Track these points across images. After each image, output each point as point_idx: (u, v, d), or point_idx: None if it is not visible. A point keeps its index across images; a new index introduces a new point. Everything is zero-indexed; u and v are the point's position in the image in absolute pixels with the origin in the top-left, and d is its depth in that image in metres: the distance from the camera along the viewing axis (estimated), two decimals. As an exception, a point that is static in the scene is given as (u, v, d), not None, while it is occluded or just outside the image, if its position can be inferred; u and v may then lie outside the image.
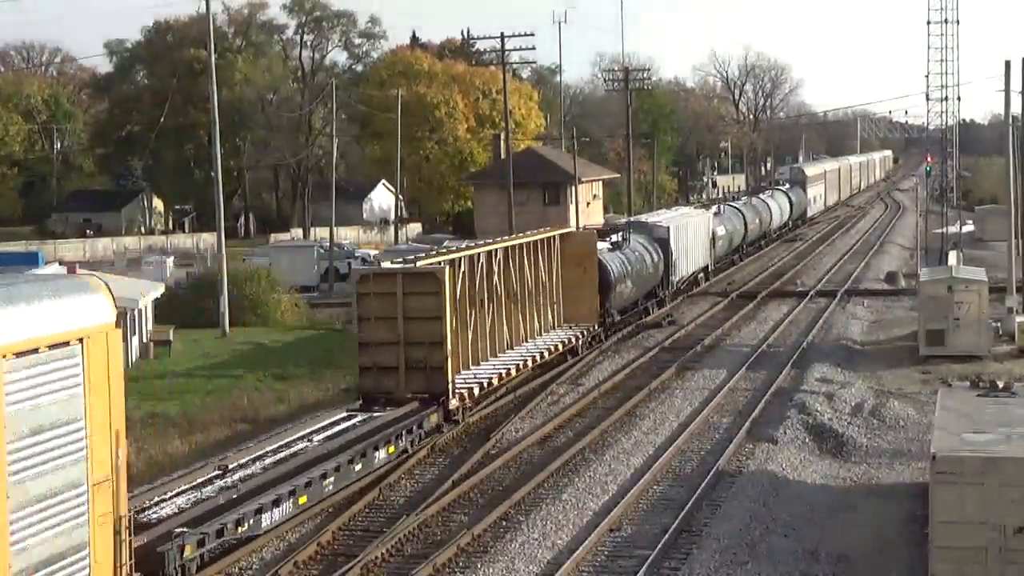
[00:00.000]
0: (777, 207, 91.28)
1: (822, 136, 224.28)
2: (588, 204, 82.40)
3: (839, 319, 52.76)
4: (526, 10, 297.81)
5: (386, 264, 33.11)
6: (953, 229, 77.47)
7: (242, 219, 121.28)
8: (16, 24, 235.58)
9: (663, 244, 53.81)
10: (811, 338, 47.56)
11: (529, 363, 37.66)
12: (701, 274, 63.37)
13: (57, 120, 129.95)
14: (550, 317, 42.43)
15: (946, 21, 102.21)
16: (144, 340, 47.29)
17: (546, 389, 38.55)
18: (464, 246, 38.46)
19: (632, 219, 58.14)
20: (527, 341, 39.88)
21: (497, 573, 22.64)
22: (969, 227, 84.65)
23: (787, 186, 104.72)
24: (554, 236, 43.18)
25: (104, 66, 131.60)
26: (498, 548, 23.84)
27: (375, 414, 30.13)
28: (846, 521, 25.54)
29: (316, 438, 27.89)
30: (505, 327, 38.20)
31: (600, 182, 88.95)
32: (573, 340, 41.99)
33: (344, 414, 30.59)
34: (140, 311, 47.54)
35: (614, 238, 49.58)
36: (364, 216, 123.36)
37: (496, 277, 37.21)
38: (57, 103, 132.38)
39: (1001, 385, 26.98)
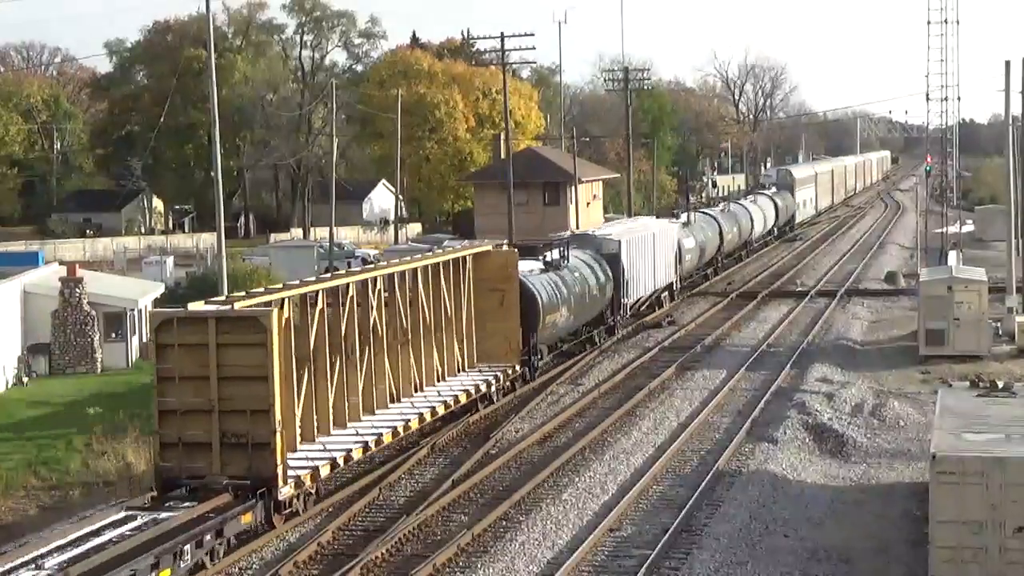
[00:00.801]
0: (760, 213, 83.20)
1: (822, 136, 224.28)
2: (588, 204, 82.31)
3: (839, 319, 52.75)
4: (526, 10, 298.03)
5: (196, 306, 25.14)
6: (953, 229, 77.44)
7: (242, 219, 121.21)
8: (16, 24, 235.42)
9: (612, 261, 46.95)
10: (811, 338, 47.57)
11: (415, 423, 30.45)
12: (664, 294, 56.09)
13: (57, 120, 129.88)
14: (457, 358, 35.36)
15: (946, 21, 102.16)
16: (143, 340, 47.25)
17: (546, 389, 38.56)
18: (328, 276, 32.09)
19: (576, 232, 50.48)
20: (420, 391, 32.85)
21: (497, 573, 22.65)
22: (969, 227, 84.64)
23: (773, 190, 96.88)
24: (462, 257, 36.03)
25: (104, 66, 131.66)
26: (498, 548, 23.86)
27: (163, 514, 22.76)
28: (846, 521, 25.55)
29: (49, 562, 20.26)
30: (388, 376, 31.22)
31: (600, 182, 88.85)
32: (484, 386, 34.56)
33: (122, 514, 23.08)
34: (140, 311, 47.52)
35: (549, 256, 42.60)
36: (364, 216, 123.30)
37: (376, 313, 30.41)
38: (57, 103, 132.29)
39: (1001, 385, 27.01)
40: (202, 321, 24.16)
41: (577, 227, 75.85)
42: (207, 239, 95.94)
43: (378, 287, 30.56)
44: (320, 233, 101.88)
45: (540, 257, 42.42)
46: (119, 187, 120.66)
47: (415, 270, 32.98)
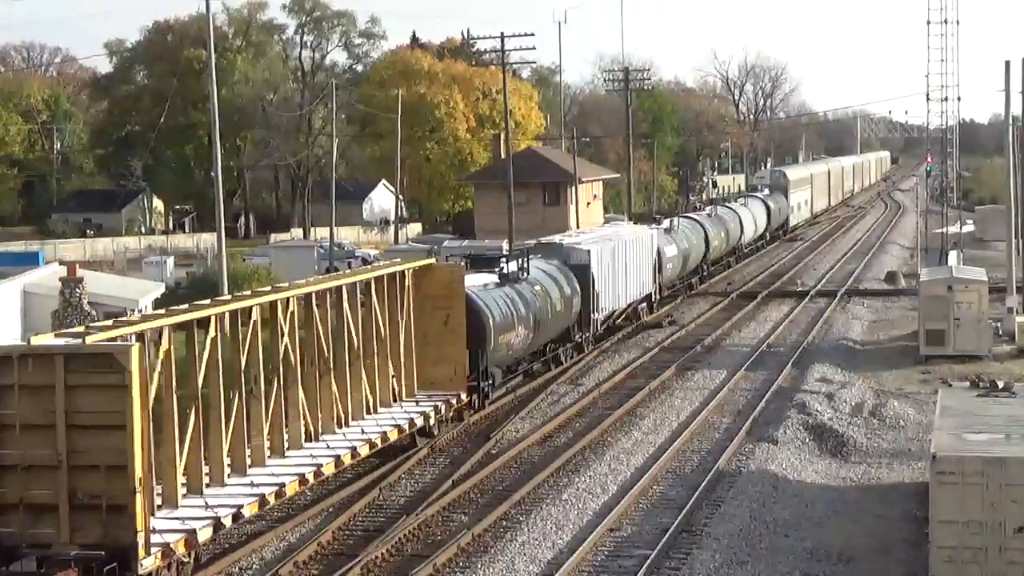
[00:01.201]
0: (750, 217, 79.19)
1: (822, 136, 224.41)
2: (588, 204, 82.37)
3: (839, 319, 52.75)
4: (526, 10, 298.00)
5: (42, 339, 21.27)
6: (953, 229, 77.42)
7: (242, 219, 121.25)
8: (16, 24, 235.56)
9: (581, 272, 43.16)
10: (811, 338, 47.56)
11: (331, 467, 26.42)
12: (642, 305, 52.24)
13: (57, 120, 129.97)
14: (393, 387, 31.43)
15: (946, 21, 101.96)
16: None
17: (546, 389, 38.57)
18: (228, 297, 28.39)
19: (542, 241, 45.77)
20: (344, 427, 28.83)
21: (497, 573, 22.65)
22: (969, 227, 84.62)
23: (766, 192, 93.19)
24: (400, 273, 32.14)
25: (104, 66, 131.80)
26: (498, 548, 23.86)
27: None
28: (846, 521, 25.55)
29: None
30: (303, 412, 27.24)
31: (600, 182, 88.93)
32: (420, 419, 30.54)
33: None
34: (140, 311, 47.51)
35: (507, 268, 38.54)
36: (364, 216, 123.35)
37: (288, 339, 26.63)
38: (57, 103, 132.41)
39: (1001, 385, 27.01)
40: (48, 358, 20.09)
41: (578, 227, 75.92)
42: (207, 239, 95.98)
43: (291, 308, 26.73)
44: (320, 233, 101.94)
45: (496, 269, 38.06)
46: (119, 187, 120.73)
47: (340, 288, 29.17)
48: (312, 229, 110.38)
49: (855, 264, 74.98)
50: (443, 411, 31.93)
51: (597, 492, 27.52)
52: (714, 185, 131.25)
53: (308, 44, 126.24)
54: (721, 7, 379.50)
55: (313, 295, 28.03)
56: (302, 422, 27.24)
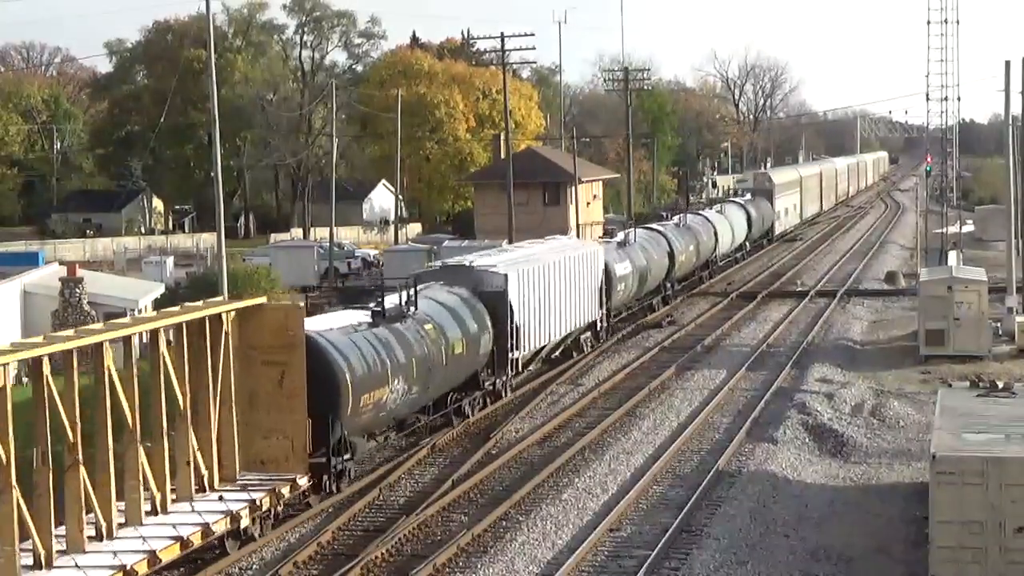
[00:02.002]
0: (727, 226, 71.57)
1: (822, 136, 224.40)
2: (588, 204, 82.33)
3: (839, 319, 52.75)
4: (526, 10, 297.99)
5: None
6: (953, 229, 77.42)
7: (242, 219, 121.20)
8: (16, 24, 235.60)
9: (495, 302, 35.45)
10: (811, 338, 47.56)
11: None
12: (586, 335, 44.63)
13: (57, 120, 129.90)
14: (198, 473, 24.03)
15: (946, 21, 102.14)
16: (143, 340, 47.27)
17: (546, 389, 38.56)
18: None
19: (449, 263, 38.57)
20: (108, 539, 21.34)
21: (497, 573, 22.65)
22: (969, 227, 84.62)
23: (747, 197, 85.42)
24: (213, 317, 24.70)
25: (104, 66, 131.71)
26: (498, 548, 23.87)
27: None
28: (846, 521, 25.55)
29: None
30: (31, 528, 19.74)
31: (600, 182, 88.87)
32: (226, 521, 22.96)
33: None
34: (140, 311, 47.50)
35: (388, 302, 30.28)
36: (364, 216, 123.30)
37: (46, 407, 20.14)
38: (57, 103, 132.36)
39: (1001, 385, 27.02)
40: None
41: (578, 227, 75.90)
42: (207, 239, 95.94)
43: (8, 373, 19.48)
44: (320, 233, 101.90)
45: (371, 305, 30.30)
46: (119, 187, 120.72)
47: (100, 346, 21.67)
48: (312, 229, 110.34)
49: (855, 264, 74.97)
50: (269, 502, 24.25)
51: (597, 492, 27.52)
52: (714, 185, 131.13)
53: (308, 44, 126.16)
54: (721, 7, 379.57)
55: (74, 352, 20.78)
56: (17, 548, 19.26)
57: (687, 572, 22.59)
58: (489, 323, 34.85)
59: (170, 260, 72.17)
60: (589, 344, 44.83)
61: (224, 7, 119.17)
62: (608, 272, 46.84)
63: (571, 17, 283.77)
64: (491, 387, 35.87)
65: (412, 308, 31.32)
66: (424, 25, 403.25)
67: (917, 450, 30.56)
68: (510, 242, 59.61)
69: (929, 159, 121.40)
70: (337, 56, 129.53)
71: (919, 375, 40.14)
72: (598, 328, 45.98)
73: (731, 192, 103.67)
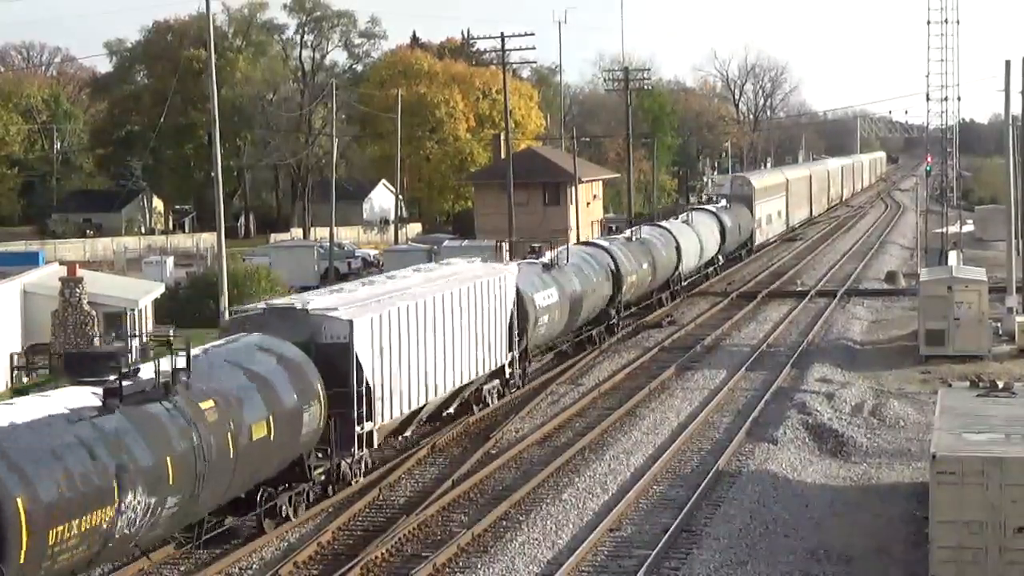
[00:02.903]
0: (693, 239, 61.01)
1: (822, 136, 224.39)
2: (588, 204, 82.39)
3: (839, 319, 52.74)
4: (526, 10, 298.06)
5: None
6: (953, 229, 77.43)
7: (242, 219, 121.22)
8: (16, 24, 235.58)
9: (334, 357, 26.88)
10: (811, 338, 47.55)
11: None
12: (490, 384, 36.27)
13: (57, 120, 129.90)
14: None
15: (946, 21, 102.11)
16: (144, 340, 47.27)
17: (546, 389, 38.54)
18: None
19: (275, 304, 28.80)
20: None
21: (497, 573, 22.65)
22: (969, 227, 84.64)
23: (722, 203, 74.78)
24: None
25: (104, 66, 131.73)
26: (498, 548, 23.86)
27: None
28: (846, 521, 25.55)
29: None
30: None
31: (600, 182, 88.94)
32: None
33: None
34: (140, 311, 47.51)
35: (141, 375, 21.34)
36: (364, 216, 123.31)
37: None
38: (57, 103, 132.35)
39: (1001, 385, 27.01)
40: None
41: (578, 227, 75.92)
42: (207, 239, 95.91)
43: None
44: (320, 233, 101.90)
45: (105, 382, 20.57)
46: (119, 187, 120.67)
47: None
48: (312, 229, 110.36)
49: (855, 264, 74.97)
50: None
51: (597, 492, 27.52)
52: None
53: (308, 44, 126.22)
54: (721, 7, 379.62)
55: None
56: None
57: (687, 572, 22.58)
58: (320, 388, 25.81)
59: (170, 260, 72.17)
60: (496, 395, 36.62)
61: (224, 7, 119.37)
62: (523, 303, 38.09)
63: (571, 17, 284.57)
64: (325, 476, 26.89)
65: (184, 379, 21.87)
66: (424, 25, 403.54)
67: (917, 450, 30.55)
68: (511, 242, 59.58)
69: (929, 159, 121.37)
70: (337, 56, 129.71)
71: (919, 375, 40.13)
72: (507, 375, 37.16)
73: (703, 199, 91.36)
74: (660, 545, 23.52)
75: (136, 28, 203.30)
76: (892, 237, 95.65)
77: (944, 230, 78.61)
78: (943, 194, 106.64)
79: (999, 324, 44.34)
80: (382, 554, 23.37)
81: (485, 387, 35.92)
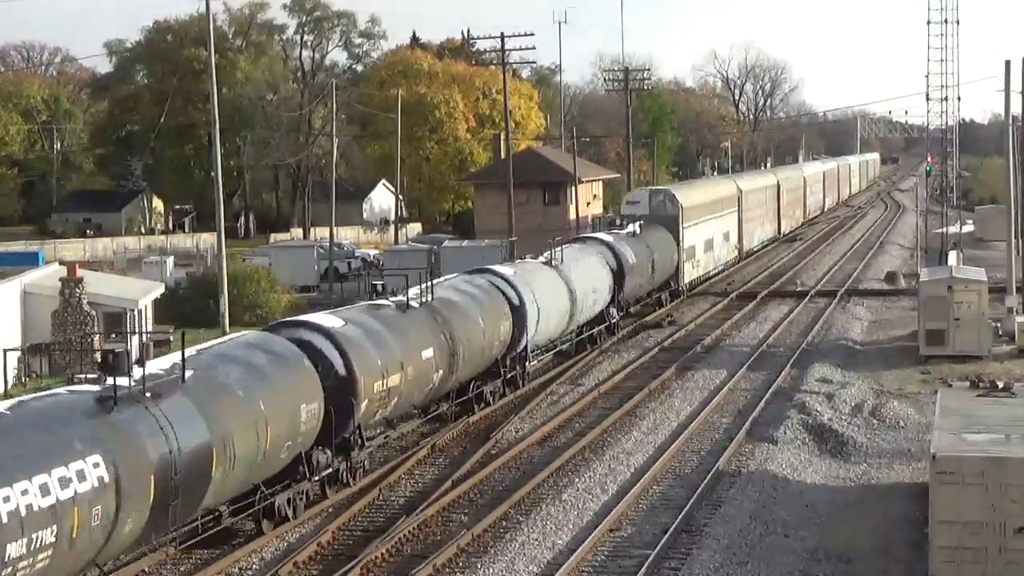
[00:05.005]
0: (554, 290, 40.41)
1: (822, 136, 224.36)
2: (588, 204, 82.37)
3: (839, 319, 52.73)
4: (526, 10, 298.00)
5: None
6: (953, 229, 77.45)
7: (242, 219, 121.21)
8: (16, 24, 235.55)
9: None
10: (811, 338, 47.54)
11: None
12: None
13: (57, 120, 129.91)
14: None
15: (946, 21, 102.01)
16: (144, 340, 47.30)
17: (546, 389, 38.54)
18: None
19: None
20: None
21: (497, 573, 22.64)
22: (969, 227, 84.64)
23: (633, 229, 52.80)
24: None
25: (104, 66, 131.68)
26: (498, 548, 23.86)
27: None
28: (846, 521, 25.55)
29: None
30: None
31: (600, 182, 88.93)
32: None
33: None
34: (140, 311, 47.52)
35: None
36: (364, 216, 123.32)
37: None
38: (57, 103, 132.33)
39: (1001, 385, 27.00)
40: None
41: (577, 227, 75.87)
42: (207, 239, 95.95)
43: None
44: (320, 233, 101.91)
45: None
46: (119, 187, 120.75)
47: None
48: (312, 229, 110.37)
49: (855, 264, 74.96)
50: None
51: (597, 492, 27.51)
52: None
53: (308, 44, 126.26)
54: (721, 7, 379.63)
55: None
56: None
57: (687, 572, 22.58)
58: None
59: (170, 260, 72.18)
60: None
61: (224, 7, 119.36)
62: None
63: (571, 17, 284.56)
64: None
65: None
66: (424, 25, 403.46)
67: (917, 450, 30.55)
68: (511, 242, 59.50)
69: (929, 159, 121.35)
70: (337, 56, 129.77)
71: (919, 375, 40.12)
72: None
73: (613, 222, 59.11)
74: (660, 545, 23.51)
75: (136, 28, 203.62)
76: (892, 237, 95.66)
77: (944, 230, 78.63)
78: (943, 194, 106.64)
79: (999, 324, 44.33)
80: (382, 554, 23.37)
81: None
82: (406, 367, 29.32)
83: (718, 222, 67.17)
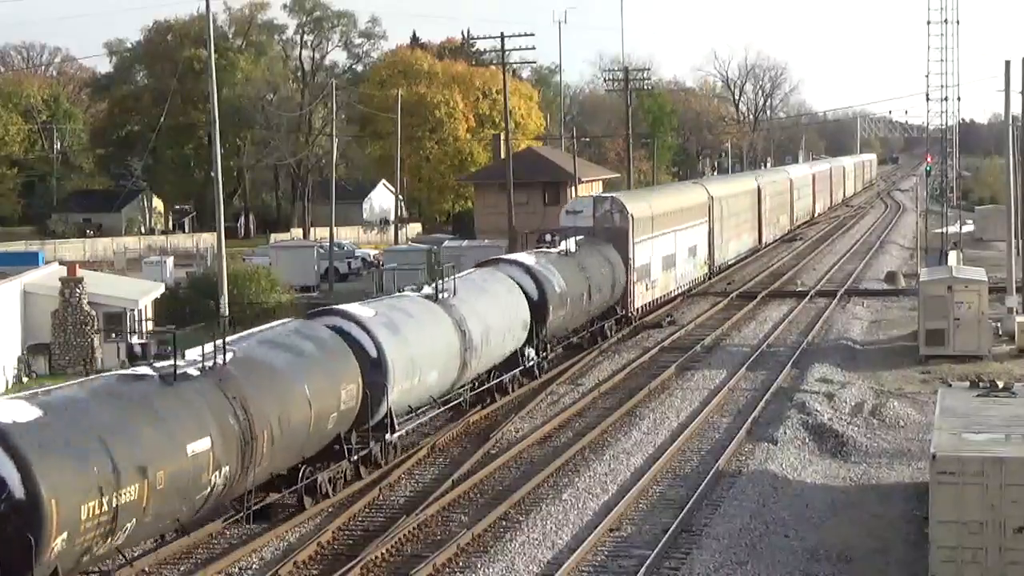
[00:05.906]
0: (444, 333, 32.22)
1: (823, 136, 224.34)
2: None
3: (839, 319, 52.71)
4: (526, 10, 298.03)
5: None
6: (953, 229, 77.40)
7: (242, 219, 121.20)
8: (16, 24, 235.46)
9: None
10: (811, 338, 47.53)
11: None
12: None
13: (57, 120, 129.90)
14: None
15: (946, 21, 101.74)
16: (143, 340, 47.25)
17: (546, 389, 38.52)
18: None
19: None
20: None
21: (497, 573, 22.64)
22: (969, 227, 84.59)
23: (566, 247, 44.55)
24: None
25: (104, 66, 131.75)
26: (498, 548, 23.86)
27: None
28: (846, 521, 25.54)
29: None
30: None
31: (600, 182, 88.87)
32: None
33: None
34: (140, 311, 47.50)
35: None
36: (364, 216, 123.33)
37: None
38: (57, 103, 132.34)
39: (1001, 385, 26.99)
40: None
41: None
42: (207, 239, 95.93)
43: None
44: (320, 233, 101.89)
45: None
46: (119, 187, 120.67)
47: None
48: (312, 229, 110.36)
49: (855, 264, 74.94)
50: None
51: (597, 492, 27.51)
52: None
53: (308, 44, 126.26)
54: (721, 7, 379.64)
55: None
56: None
57: (687, 572, 22.58)
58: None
59: (170, 260, 72.18)
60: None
61: (225, 7, 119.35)
62: None
63: (571, 17, 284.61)
64: None
65: None
66: (424, 25, 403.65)
67: (917, 450, 30.54)
68: (511, 241, 59.45)
69: (929, 159, 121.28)
70: (337, 56, 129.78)
71: (919, 375, 40.12)
72: None
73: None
74: (660, 545, 23.51)
75: (136, 28, 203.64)
76: (892, 237, 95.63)
77: (944, 230, 78.59)
78: (943, 194, 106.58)
79: (999, 324, 44.32)
80: (382, 554, 23.37)
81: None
82: (151, 474, 19.92)
83: (683, 235, 58.42)
